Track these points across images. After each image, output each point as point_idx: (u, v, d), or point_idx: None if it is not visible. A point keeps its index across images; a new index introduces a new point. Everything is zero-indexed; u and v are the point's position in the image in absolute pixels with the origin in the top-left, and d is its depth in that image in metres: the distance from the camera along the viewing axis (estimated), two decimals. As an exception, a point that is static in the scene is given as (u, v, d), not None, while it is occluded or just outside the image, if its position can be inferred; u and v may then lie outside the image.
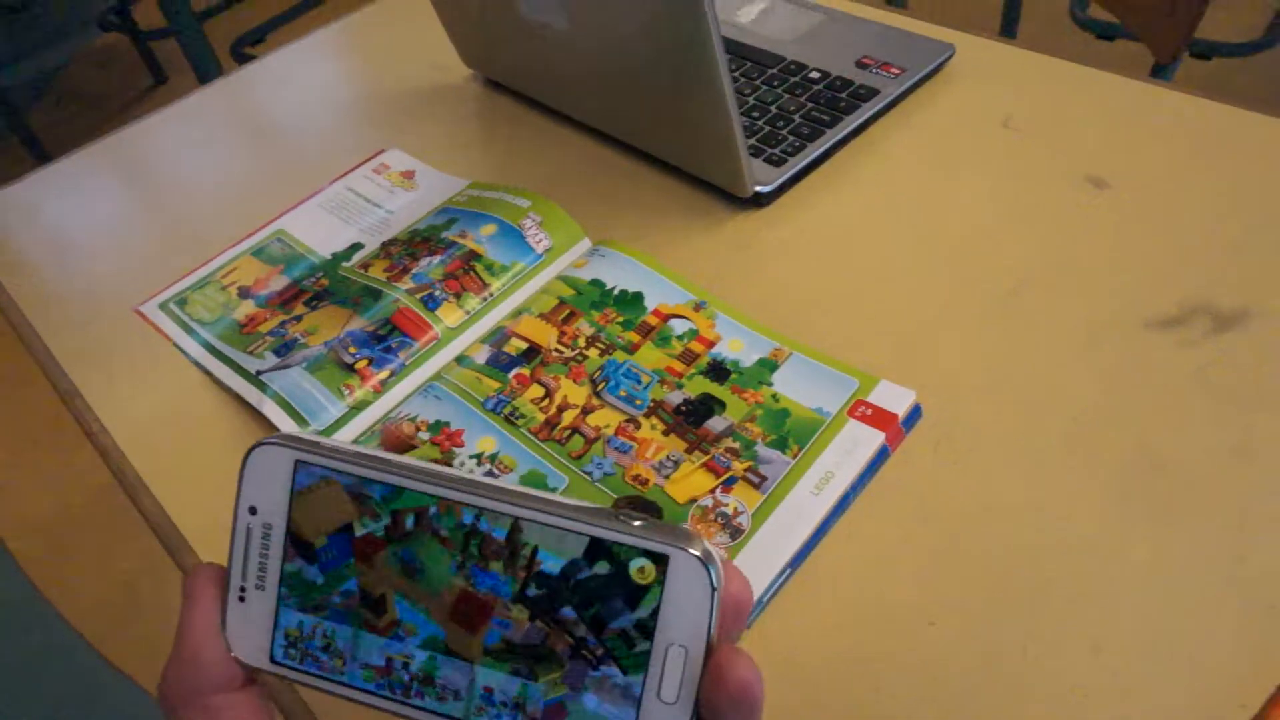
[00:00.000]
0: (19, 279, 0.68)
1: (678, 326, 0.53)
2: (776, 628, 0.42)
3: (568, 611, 0.24)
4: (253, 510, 0.26)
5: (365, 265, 0.60)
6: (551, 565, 0.24)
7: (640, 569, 0.23)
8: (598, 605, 0.24)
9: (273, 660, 0.26)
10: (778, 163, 0.62)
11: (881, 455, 0.46)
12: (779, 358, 0.51)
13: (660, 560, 0.23)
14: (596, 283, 0.55)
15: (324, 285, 0.59)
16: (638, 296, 0.54)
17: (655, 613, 0.23)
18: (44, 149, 2.27)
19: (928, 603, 0.42)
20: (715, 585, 0.23)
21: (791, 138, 0.64)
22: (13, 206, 0.75)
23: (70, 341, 0.62)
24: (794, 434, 0.47)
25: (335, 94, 0.81)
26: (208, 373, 0.56)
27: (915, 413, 0.48)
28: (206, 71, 2.00)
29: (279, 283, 0.61)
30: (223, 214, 0.70)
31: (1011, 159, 0.62)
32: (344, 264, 0.61)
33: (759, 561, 0.42)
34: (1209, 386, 0.47)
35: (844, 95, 0.66)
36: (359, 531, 0.25)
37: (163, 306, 0.62)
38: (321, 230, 0.65)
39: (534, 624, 0.24)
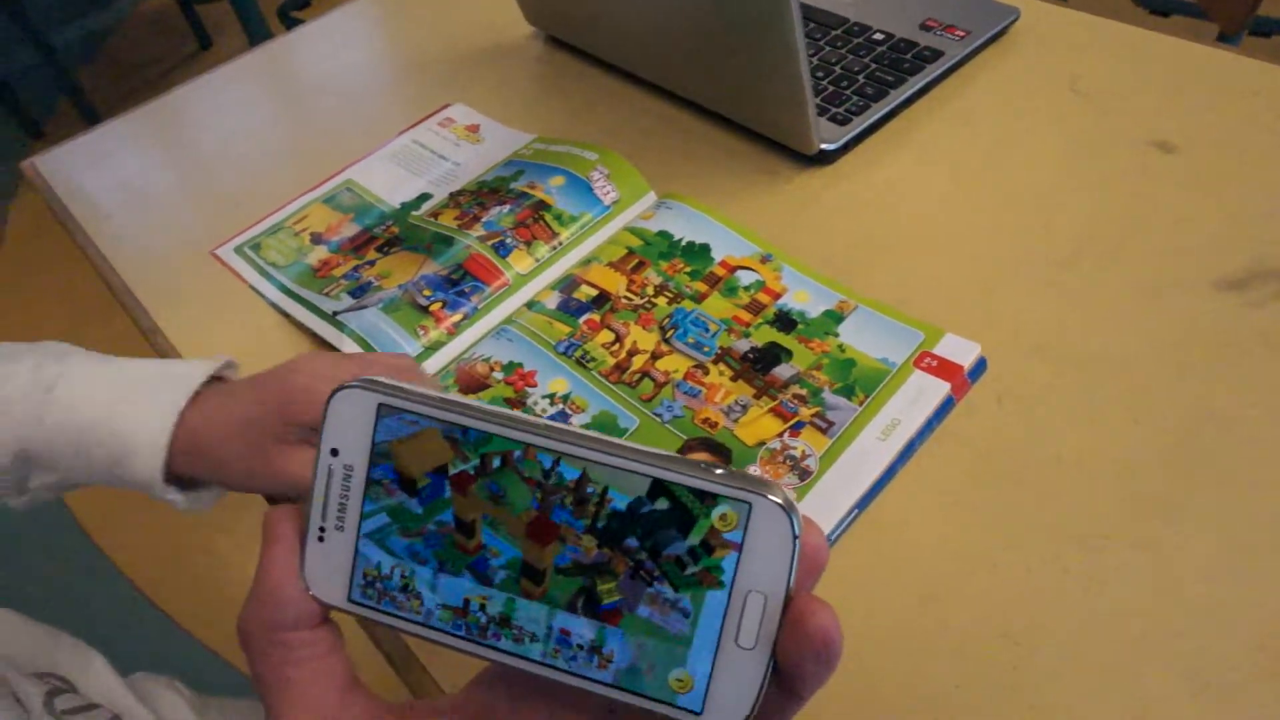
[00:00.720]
0: (96, 223, 0.70)
1: (744, 278, 0.54)
2: (843, 566, 0.43)
3: (648, 558, 0.24)
4: (334, 452, 0.26)
5: (435, 214, 0.61)
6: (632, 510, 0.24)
7: (723, 516, 0.23)
8: (679, 551, 0.24)
9: (350, 600, 0.26)
10: (842, 121, 0.63)
11: (947, 405, 0.47)
12: (845, 310, 0.51)
13: (742, 508, 0.23)
14: (664, 234, 0.56)
15: (395, 232, 0.61)
16: (705, 248, 0.55)
17: (736, 560, 0.23)
18: (94, 110, 2.30)
19: (992, 546, 0.43)
20: (796, 533, 0.23)
21: (856, 98, 0.64)
22: (83, 159, 0.77)
23: (149, 282, 0.64)
24: (860, 383, 0.48)
25: (394, 53, 0.82)
26: (284, 313, 0.58)
27: (980, 365, 0.49)
28: (257, 35, 2.02)
29: (350, 230, 0.63)
30: (288, 167, 0.71)
31: (1078, 122, 0.62)
32: (413, 213, 0.62)
33: (827, 503, 0.44)
34: (1275, 347, 0.48)
35: (908, 57, 0.67)
36: (448, 472, 0.26)
37: (238, 250, 0.64)
38: (389, 180, 0.67)
39: (613, 566, 0.24)
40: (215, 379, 0.47)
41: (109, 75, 2.59)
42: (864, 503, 0.44)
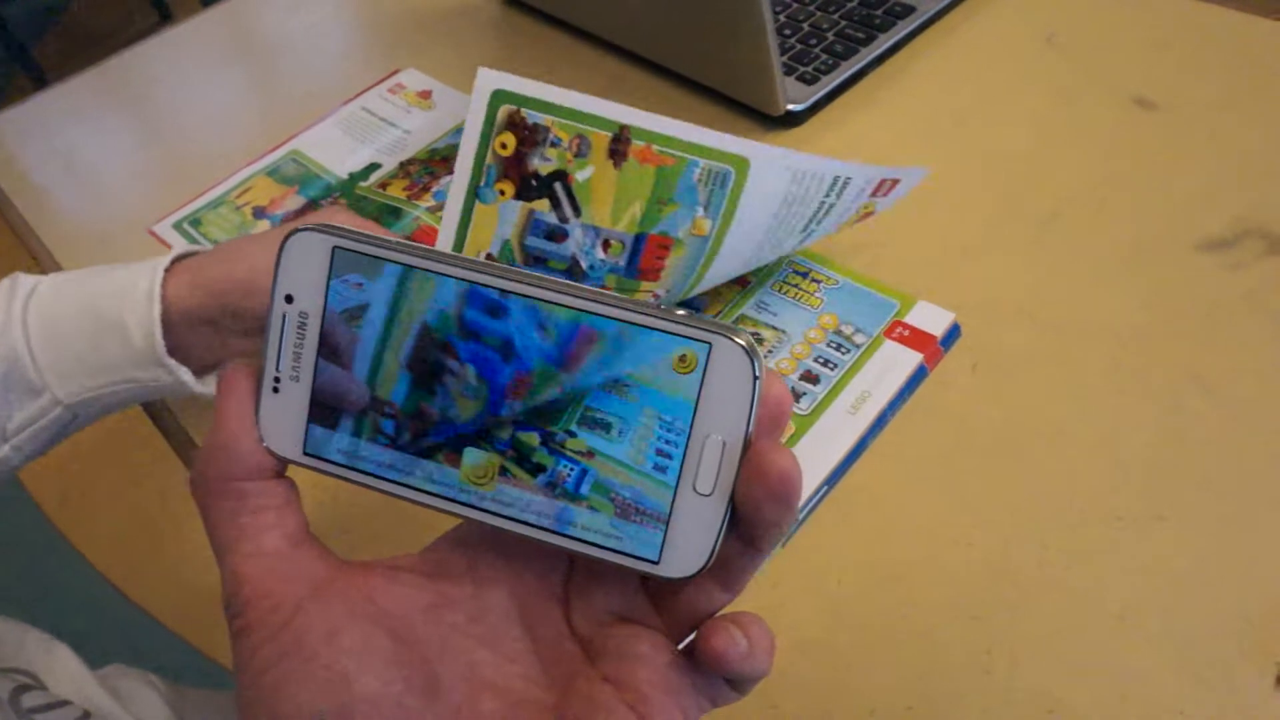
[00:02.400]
0: (30, 200, 0.66)
1: (708, 245, 0.51)
2: (812, 544, 0.41)
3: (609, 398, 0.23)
4: (289, 299, 0.25)
5: (384, 185, 0.58)
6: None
7: (682, 357, 0.23)
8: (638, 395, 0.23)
9: (305, 453, 0.26)
10: (810, 81, 0.60)
11: (919, 375, 0.45)
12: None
13: (702, 349, 0.22)
14: (623, 201, 0.54)
15: (341, 205, 0.58)
16: (666, 215, 0.53)
17: (695, 402, 0.23)
18: (48, 85, 2.23)
19: (966, 522, 0.41)
20: (758, 374, 0.22)
21: (824, 56, 0.61)
22: (19, 129, 0.73)
23: (85, 261, 0.60)
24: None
25: (347, 15, 0.79)
26: (225, 292, 0.55)
27: (954, 332, 0.46)
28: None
29: (294, 203, 0.59)
30: (233, 136, 0.68)
31: (1054, 78, 0.59)
32: (361, 183, 0.59)
33: (794, 480, 0.41)
34: (1261, 308, 0.46)
35: (879, 13, 0.64)
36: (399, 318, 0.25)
37: (176, 226, 0.60)
38: (337, 150, 0.63)
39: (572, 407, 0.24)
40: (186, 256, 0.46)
41: (65, 48, 2.51)
42: (833, 479, 0.42)
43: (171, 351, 0.42)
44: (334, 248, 0.25)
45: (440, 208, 0.54)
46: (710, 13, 0.55)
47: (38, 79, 2.25)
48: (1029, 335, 0.47)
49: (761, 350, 0.21)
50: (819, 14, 0.65)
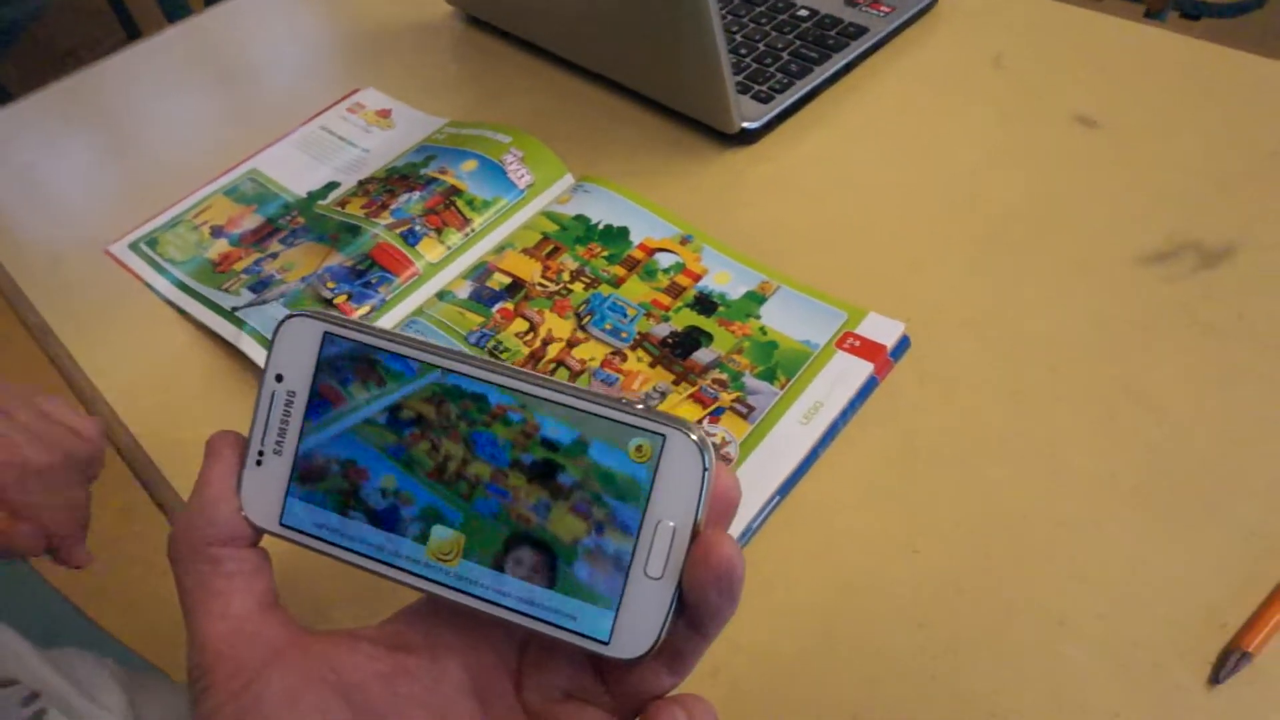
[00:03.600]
0: (-16, 219, 0.66)
1: (664, 260, 0.52)
2: (764, 554, 0.41)
3: (567, 484, 0.25)
4: (279, 378, 0.27)
5: (342, 203, 0.58)
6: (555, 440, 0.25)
7: (638, 448, 0.24)
8: (595, 479, 0.25)
9: (281, 524, 0.27)
10: (765, 100, 0.61)
11: (869, 386, 0.46)
12: (766, 291, 0.50)
13: (657, 440, 0.24)
14: (581, 218, 0.54)
15: (300, 223, 0.58)
16: (623, 231, 0.53)
17: (648, 490, 0.24)
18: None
19: (913, 531, 0.41)
20: (707, 466, 0.24)
21: (779, 75, 0.63)
22: (-23, 147, 0.73)
23: (40, 281, 0.60)
24: (782, 365, 0.46)
25: (308, 33, 0.79)
26: (182, 311, 0.55)
27: (903, 343, 0.48)
28: (175, 15, 1.95)
29: (253, 221, 0.60)
30: (192, 155, 0.68)
31: (1001, 98, 0.61)
32: (320, 202, 0.60)
33: (747, 489, 0.42)
34: (1195, 320, 0.47)
35: (832, 33, 0.65)
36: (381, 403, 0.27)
37: (133, 247, 0.60)
38: (296, 169, 0.63)
39: (534, 494, 0.25)
40: None
41: (30, 65, 2.48)
42: (785, 489, 0.43)
43: None
44: (325, 333, 0.27)
45: (398, 225, 0.54)
46: (664, 33, 0.56)
47: (5, 97, 2.22)
48: (974, 347, 0.48)
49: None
50: (774, 34, 0.66)
